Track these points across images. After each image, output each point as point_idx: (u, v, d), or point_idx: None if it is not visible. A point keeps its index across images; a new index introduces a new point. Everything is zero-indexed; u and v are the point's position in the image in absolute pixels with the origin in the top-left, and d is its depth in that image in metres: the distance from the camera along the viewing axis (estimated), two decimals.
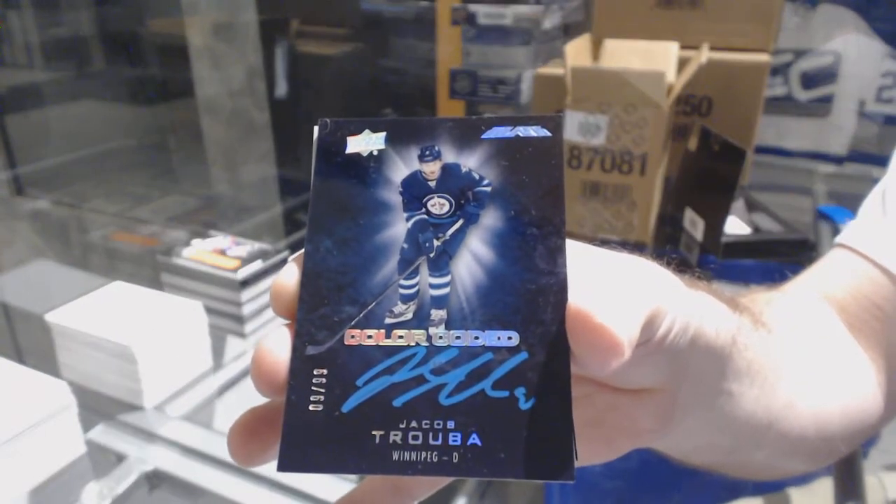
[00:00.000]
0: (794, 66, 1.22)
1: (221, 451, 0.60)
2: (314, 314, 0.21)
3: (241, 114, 1.69)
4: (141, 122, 1.94)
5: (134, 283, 0.75)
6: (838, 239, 0.46)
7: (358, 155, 0.23)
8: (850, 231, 0.45)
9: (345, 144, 0.23)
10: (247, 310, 0.77)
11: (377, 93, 1.75)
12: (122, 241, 1.34)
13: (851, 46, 1.17)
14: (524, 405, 0.19)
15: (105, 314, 0.69)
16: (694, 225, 0.89)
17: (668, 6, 0.97)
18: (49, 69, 1.81)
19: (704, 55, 0.82)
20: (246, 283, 0.77)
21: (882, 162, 1.29)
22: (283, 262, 0.82)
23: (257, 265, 0.78)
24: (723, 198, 0.83)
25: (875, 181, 0.47)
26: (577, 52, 0.87)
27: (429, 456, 0.19)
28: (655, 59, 0.86)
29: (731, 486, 0.81)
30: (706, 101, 0.96)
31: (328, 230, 0.22)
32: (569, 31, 1.21)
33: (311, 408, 0.19)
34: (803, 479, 0.66)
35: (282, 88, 1.71)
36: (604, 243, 0.24)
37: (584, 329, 0.19)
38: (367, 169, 0.23)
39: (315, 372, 0.20)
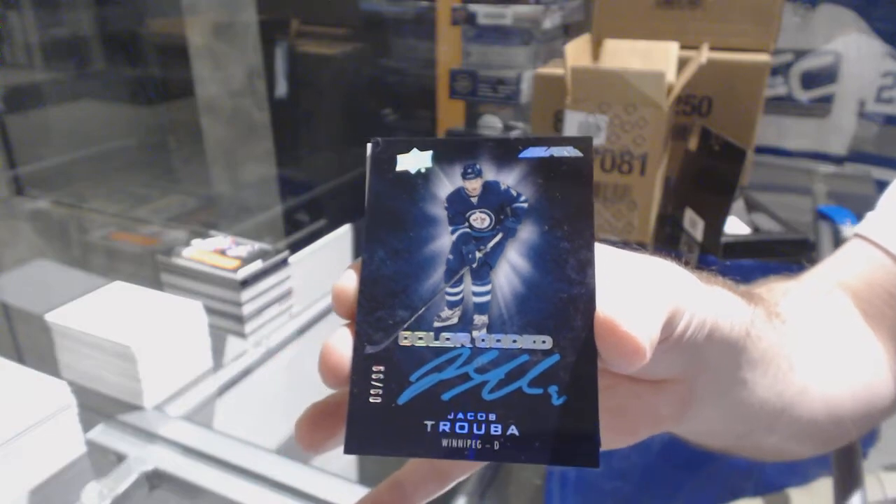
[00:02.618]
0: (795, 66, 1.22)
1: (222, 450, 0.60)
2: (371, 317, 0.23)
3: (241, 114, 1.69)
4: (141, 122, 1.94)
5: (134, 283, 0.75)
6: (855, 229, 0.48)
7: (407, 172, 0.25)
8: (867, 221, 0.47)
9: (395, 162, 0.25)
10: (247, 310, 0.77)
11: (377, 93, 1.75)
12: (122, 241, 1.34)
13: (851, 46, 1.17)
14: (556, 401, 0.21)
15: (105, 314, 0.69)
16: (694, 225, 0.89)
17: (668, 6, 0.97)
18: (49, 69, 1.81)
19: (704, 55, 0.82)
20: (246, 282, 0.76)
21: (882, 162, 1.30)
22: (284, 261, 0.82)
23: (257, 265, 0.78)
24: (723, 198, 0.83)
25: (875, 181, 0.48)
26: (577, 52, 0.87)
27: (473, 443, 0.21)
28: (655, 60, 0.86)
29: (732, 487, 0.81)
30: (706, 101, 0.96)
31: (382, 241, 0.24)
32: (569, 31, 1.21)
33: (371, 400, 0.22)
34: (803, 479, 0.66)
35: (282, 88, 1.71)
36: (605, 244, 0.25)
37: (611, 336, 0.21)
38: (415, 186, 0.25)
39: (374, 368, 0.22)
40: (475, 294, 0.23)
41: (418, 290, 0.23)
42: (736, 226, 0.90)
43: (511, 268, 0.23)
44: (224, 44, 1.63)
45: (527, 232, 0.24)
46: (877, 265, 0.45)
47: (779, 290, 0.41)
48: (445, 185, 0.25)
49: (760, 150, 1.13)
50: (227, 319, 0.79)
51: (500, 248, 0.24)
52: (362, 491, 0.54)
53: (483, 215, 0.24)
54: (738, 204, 0.95)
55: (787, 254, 0.86)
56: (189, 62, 1.64)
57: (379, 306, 0.23)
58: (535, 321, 0.22)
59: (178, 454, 0.61)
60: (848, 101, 1.20)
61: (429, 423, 0.22)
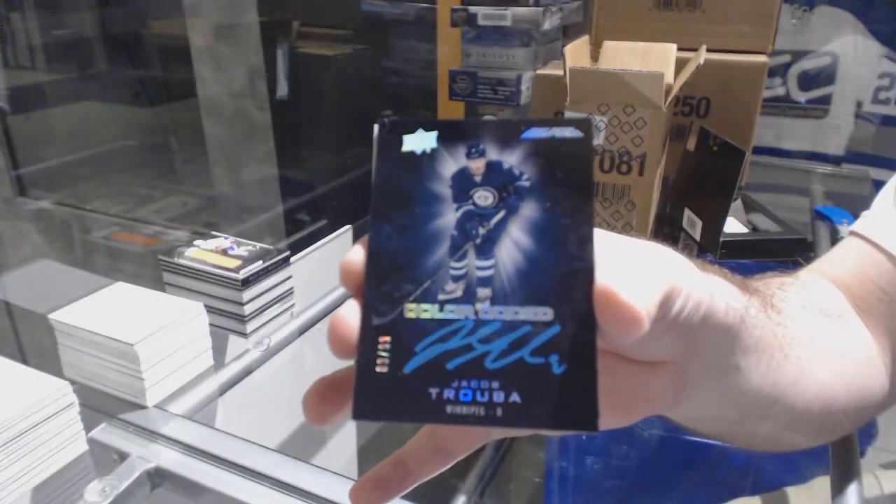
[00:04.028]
0: (793, 67, 1.23)
1: (223, 449, 0.61)
2: (378, 290, 0.24)
3: (242, 114, 1.70)
4: (143, 122, 1.94)
5: (136, 283, 0.75)
6: (851, 228, 0.49)
7: (412, 152, 0.26)
8: (862, 220, 0.49)
9: (401, 142, 0.26)
10: (248, 309, 0.78)
11: (378, 93, 1.75)
12: (124, 241, 1.35)
13: (849, 48, 1.18)
14: (557, 370, 0.22)
15: (108, 314, 0.70)
16: (692, 225, 0.90)
17: (667, 8, 0.98)
18: (52, 70, 1.81)
19: (702, 56, 0.82)
20: (247, 282, 0.77)
21: (879, 162, 1.30)
22: (285, 261, 0.82)
23: (259, 265, 0.79)
24: (722, 198, 0.84)
25: (873, 181, 0.49)
26: (576, 53, 0.88)
27: (477, 410, 0.22)
28: (654, 61, 0.86)
29: (730, 485, 0.82)
30: (704, 101, 0.97)
31: (388, 218, 0.25)
32: (567, 32, 1.22)
33: (377, 369, 0.23)
34: (801, 478, 0.66)
35: (283, 89, 1.71)
36: None
37: (610, 305, 0.22)
38: (421, 165, 0.26)
39: (380, 339, 0.23)
40: (478, 268, 0.24)
41: (423, 264, 0.24)
42: (734, 226, 0.90)
43: (513, 243, 0.24)
44: (225, 45, 1.64)
45: (528, 209, 0.24)
46: (869, 261, 0.46)
47: (775, 283, 0.42)
48: (450, 165, 0.25)
49: (758, 151, 1.13)
50: (228, 319, 0.79)
51: (502, 224, 0.24)
52: None
53: (486, 193, 0.25)
54: (737, 204, 0.96)
55: (785, 253, 0.87)
56: (191, 63, 1.65)
57: (385, 280, 0.24)
58: (536, 294, 0.23)
59: (179, 452, 0.61)
60: (845, 101, 1.21)
61: (433, 391, 0.22)
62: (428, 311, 0.23)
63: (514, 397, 0.22)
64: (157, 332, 0.67)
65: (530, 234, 0.24)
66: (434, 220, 0.25)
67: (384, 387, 0.22)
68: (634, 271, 0.23)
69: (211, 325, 0.73)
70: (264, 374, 0.79)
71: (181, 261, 0.80)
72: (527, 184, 0.25)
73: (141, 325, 0.67)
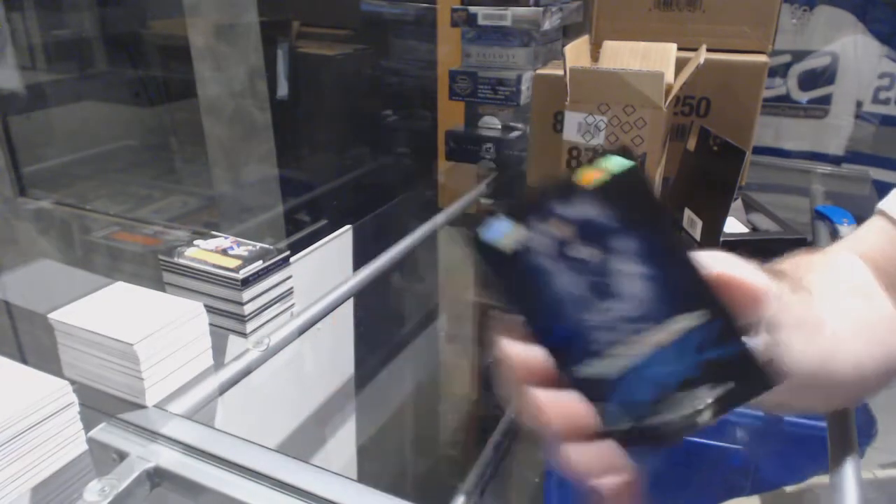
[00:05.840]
0: (793, 67, 1.22)
1: (223, 449, 0.61)
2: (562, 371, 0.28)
3: (242, 114, 1.70)
4: (143, 122, 1.94)
5: (136, 283, 0.75)
6: (878, 206, 0.51)
7: (509, 251, 0.29)
8: (889, 199, 0.51)
9: (496, 248, 0.29)
10: (248, 309, 0.78)
11: (378, 93, 1.75)
12: (124, 241, 1.35)
13: (849, 48, 1.18)
14: (723, 356, 0.27)
15: (107, 314, 0.70)
16: (692, 225, 0.90)
17: (667, 8, 0.98)
18: (51, 70, 1.81)
19: (702, 56, 0.82)
20: (247, 282, 0.77)
21: (879, 162, 1.30)
22: (285, 261, 0.82)
23: (258, 265, 0.78)
24: (721, 198, 0.83)
25: (873, 181, 0.49)
26: (576, 53, 0.88)
27: (700, 417, 0.27)
28: (654, 60, 0.86)
29: (730, 486, 0.82)
30: (704, 101, 0.97)
31: (532, 317, 0.28)
32: (567, 32, 1.22)
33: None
34: (800, 478, 0.67)
35: (283, 89, 1.71)
36: None
37: (736, 288, 0.26)
38: (524, 257, 0.29)
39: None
40: (617, 312, 0.27)
41: (579, 333, 0.27)
42: (734, 226, 0.90)
43: (629, 278, 0.27)
44: (225, 45, 1.64)
45: (625, 245, 0.28)
46: (892, 239, 0.48)
47: (803, 263, 0.45)
48: (544, 242, 0.28)
49: (758, 151, 1.13)
50: (228, 318, 0.79)
51: (614, 266, 0.28)
52: (362, 490, 0.55)
53: (586, 248, 0.28)
54: (737, 204, 0.96)
55: (785, 253, 0.86)
56: (191, 63, 1.65)
57: (557, 359, 0.28)
58: (671, 308, 0.27)
59: (179, 452, 0.61)
60: (846, 101, 1.21)
61: (667, 423, 0.27)
62: (594, 366, 0.27)
63: (718, 390, 0.26)
64: (157, 332, 0.67)
65: (638, 264, 0.27)
66: (563, 290, 0.28)
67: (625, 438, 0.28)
68: (736, 260, 0.27)
69: (211, 325, 0.73)
70: (264, 374, 0.78)
71: (181, 261, 0.80)
72: (614, 225, 0.28)
73: (141, 325, 0.67)
